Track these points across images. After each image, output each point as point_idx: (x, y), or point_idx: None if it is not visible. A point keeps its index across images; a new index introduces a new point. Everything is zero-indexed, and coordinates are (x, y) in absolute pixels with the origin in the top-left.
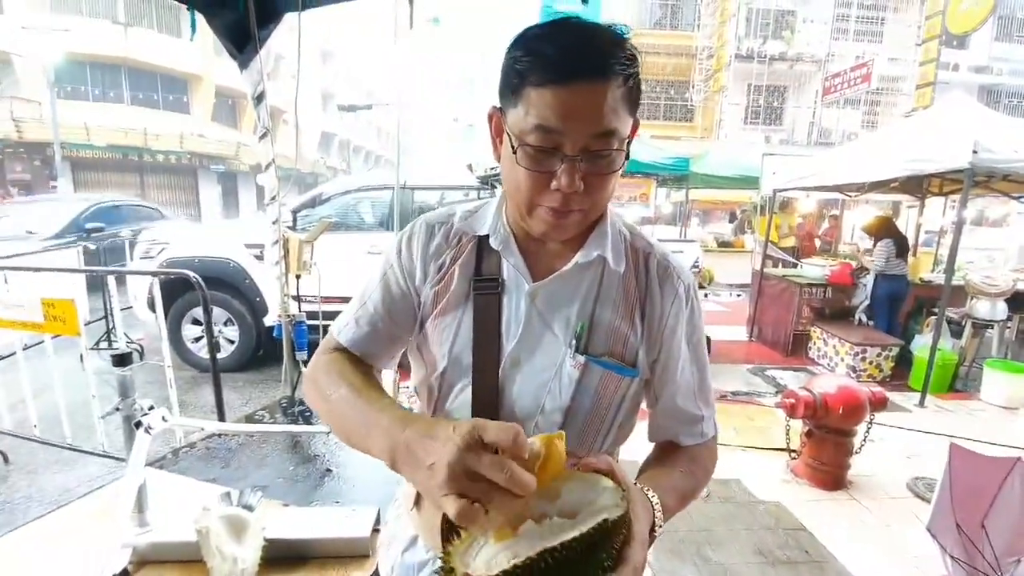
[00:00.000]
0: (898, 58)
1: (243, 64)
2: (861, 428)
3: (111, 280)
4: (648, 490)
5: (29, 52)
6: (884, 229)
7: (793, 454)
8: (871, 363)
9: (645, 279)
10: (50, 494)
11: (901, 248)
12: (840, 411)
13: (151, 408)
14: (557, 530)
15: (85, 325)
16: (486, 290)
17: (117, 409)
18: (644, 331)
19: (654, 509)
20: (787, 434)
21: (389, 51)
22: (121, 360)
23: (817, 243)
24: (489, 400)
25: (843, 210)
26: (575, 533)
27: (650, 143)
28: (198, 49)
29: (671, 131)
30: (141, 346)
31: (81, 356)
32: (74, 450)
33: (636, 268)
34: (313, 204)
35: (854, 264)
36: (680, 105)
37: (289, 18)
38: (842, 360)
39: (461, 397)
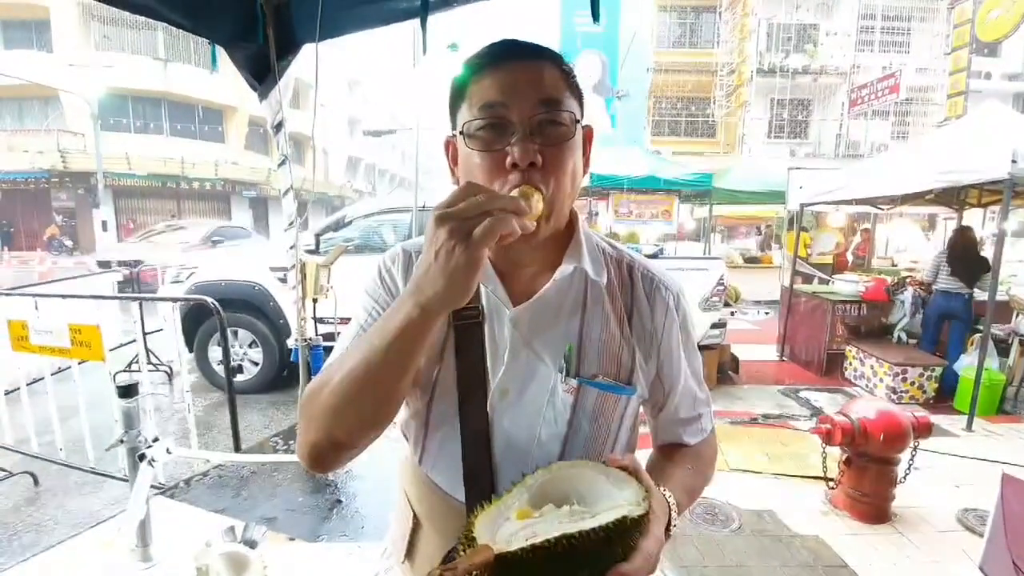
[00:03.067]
0: (927, 68)
1: (263, 95)
2: (905, 455)
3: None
4: (664, 489)
5: (75, 88)
6: (959, 246)
7: (831, 483)
8: (913, 384)
9: (631, 291)
10: (76, 516)
11: (963, 262)
12: (881, 438)
13: (155, 440)
14: (576, 518)
15: (111, 350)
16: (466, 319)
17: (121, 441)
18: (635, 345)
19: (670, 507)
20: (824, 461)
21: (409, 77)
22: (126, 391)
23: (850, 258)
24: (479, 433)
25: (875, 224)
26: (595, 524)
27: (672, 159)
28: (232, 81)
29: (693, 147)
30: (170, 367)
31: (113, 377)
32: (97, 474)
33: (620, 279)
34: (336, 227)
35: (889, 280)
36: (701, 121)
37: (317, 48)
38: (881, 381)
39: (449, 432)
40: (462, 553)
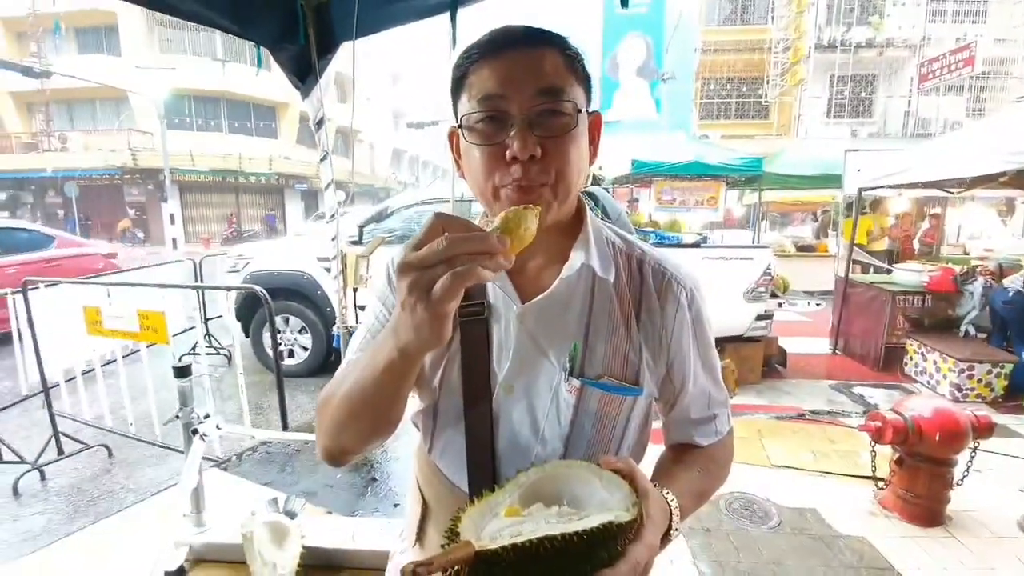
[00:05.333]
0: (1005, 39)
1: (305, 93)
2: (963, 456)
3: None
4: (667, 492)
5: (143, 89)
6: None
7: (881, 483)
8: (980, 381)
9: (640, 287)
10: (145, 485)
11: None
12: (936, 437)
13: (207, 416)
14: (564, 519)
15: (174, 335)
16: (472, 315)
17: (176, 417)
18: (643, 344)
19: (671, 512)
20: (873, 460)
21: (446, 69)
22: (181, 372)
23: (916, 246)
24: (483, 430)
25: (945, 209)
26: (579, 527)
27: (719, 143)
28: (283, 79)
29: (744, 130)
30: (230, 351)
31: (179, 360)
32: (163, 447)
33: (629, 275)
34: (379, 219)
35: (958, 269)
36: (753, 102)
37: (360, 45)
38: (944, 377)
39: (455, 428)
40: (445, 547)
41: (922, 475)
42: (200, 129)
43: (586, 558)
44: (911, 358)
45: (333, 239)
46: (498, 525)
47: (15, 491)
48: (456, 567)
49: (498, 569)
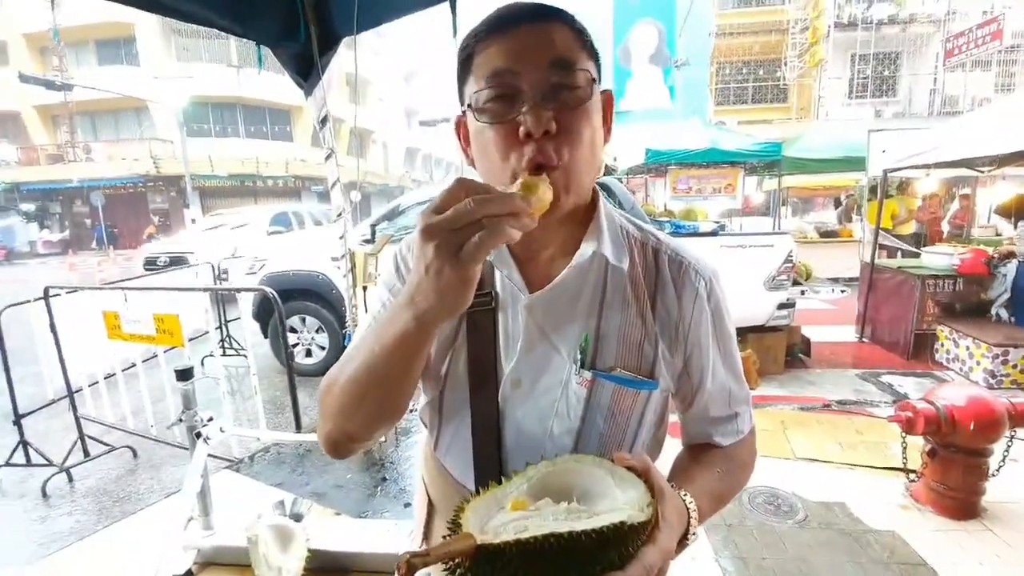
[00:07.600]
0: None
1: (308, 91)
2: (999, 446)
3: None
4: (685, 494)
5: (162, 98)
6: None
7: (912, 476)
8: (1015, 367)
9: (655, 277)
10: (170, 485)
11: None
12: (971, 427)
13: (210, 420)
14: (573, 516)
15: (190, 339)
16: (479, 306)
17: (180, 420)
18: (659, 336)
19: (689, 515)
20: (904, 452)
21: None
22: (183, 375)
23: (945, 228)
24: (490, 425)
25: (975, 189)
26: (589, 526)
27: (736, 129)
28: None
29: (762, 114)
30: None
31: (201, 361)
32: (184, 448)
33: (644, 265)
34: (391, 217)
35: (990, 251)
36: (771, 86)
37: (372, 44)
38: (978, 364)
39: (461, 421)
40: (446, 539)
41: (956, 466)
42: (218, 135)
43: (594, 559)
44: (942, 344)
45: (341, 238)
46: (503, 519)
47: (43, 493)
48: (456, 560)
49: (500, 564)
